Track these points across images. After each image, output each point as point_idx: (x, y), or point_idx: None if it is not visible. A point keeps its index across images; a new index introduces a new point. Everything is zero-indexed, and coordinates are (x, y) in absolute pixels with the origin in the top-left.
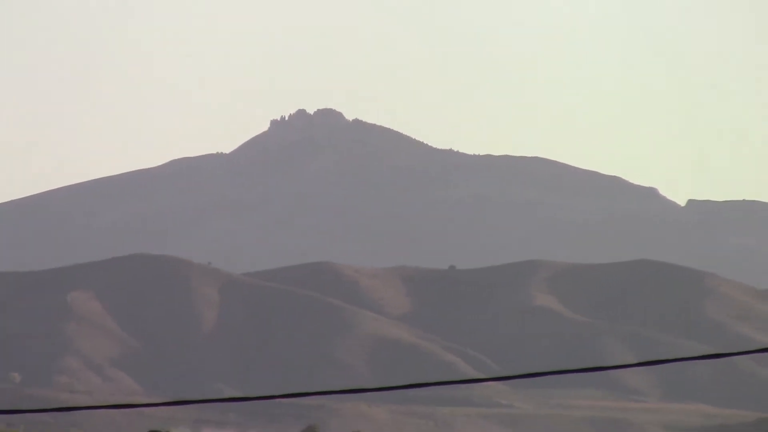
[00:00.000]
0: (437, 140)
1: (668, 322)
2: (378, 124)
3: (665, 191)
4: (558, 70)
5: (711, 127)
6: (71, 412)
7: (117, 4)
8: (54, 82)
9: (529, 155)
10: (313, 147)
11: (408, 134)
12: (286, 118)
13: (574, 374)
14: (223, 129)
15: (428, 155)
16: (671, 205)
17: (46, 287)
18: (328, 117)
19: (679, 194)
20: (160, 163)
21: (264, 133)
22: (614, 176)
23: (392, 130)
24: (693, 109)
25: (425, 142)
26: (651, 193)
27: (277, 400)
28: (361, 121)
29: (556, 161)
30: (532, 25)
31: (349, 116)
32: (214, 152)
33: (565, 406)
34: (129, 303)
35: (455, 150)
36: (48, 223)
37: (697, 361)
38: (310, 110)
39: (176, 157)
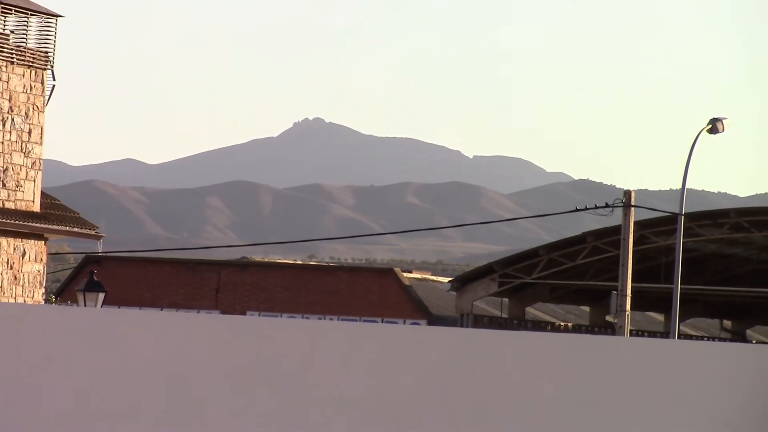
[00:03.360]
0: (366, 129)
1: (462, 207)
2: (340, 123)
3: (450, 145)
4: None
5: (468, 98)
6: (210, 249)
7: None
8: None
9: (401, 135)
10: (310, 134)
11: (350, 126)
12: (300, 121)
13: (423, 231)
14: (276, 124)
15: (359, 137)
16: (458, 155)
17: (196, 196)
18: (318, 121)
19: (465, 148)
20: (246, 141)
21: (290, 128)
22: (434, 144)
23: (344, 125)
24: (451, 80)
25: (359, 130)
26: (444, 149)
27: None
28: (333, 123)
29: (413, 138)
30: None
31: (327, 120)
32: (270, 136)
33: (417, 245)
34: (233, 202)
35: (376, 135)
36: (194, 167)
37: (475, 225)
38: (310, 117)
39: (255, 138)
